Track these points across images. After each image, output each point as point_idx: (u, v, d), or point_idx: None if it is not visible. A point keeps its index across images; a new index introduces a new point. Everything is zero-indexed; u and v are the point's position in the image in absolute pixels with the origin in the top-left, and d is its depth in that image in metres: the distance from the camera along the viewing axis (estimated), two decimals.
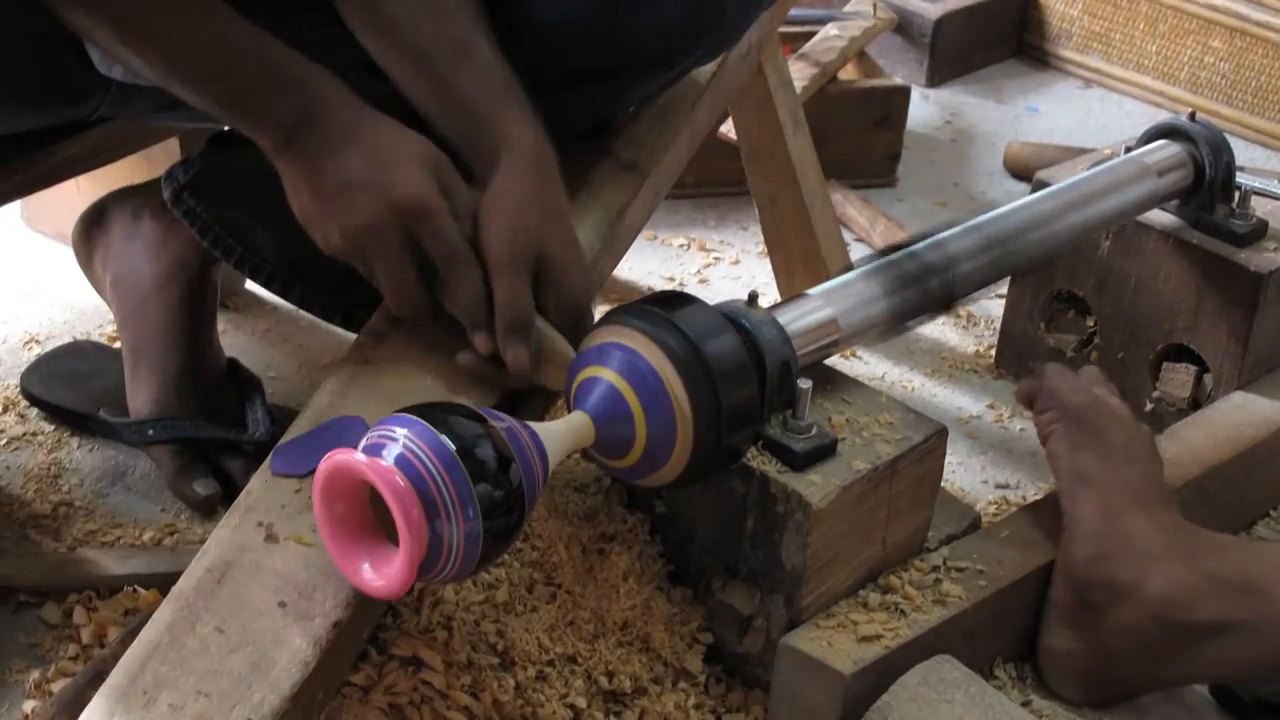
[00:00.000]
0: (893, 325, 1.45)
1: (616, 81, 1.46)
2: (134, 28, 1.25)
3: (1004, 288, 1.90)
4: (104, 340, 1.82)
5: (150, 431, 1.58)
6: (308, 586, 1.15)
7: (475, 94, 1.33)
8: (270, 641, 1.12)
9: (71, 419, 1.68)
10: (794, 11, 2.14)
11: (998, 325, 1.96)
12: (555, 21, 1.40)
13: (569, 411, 1.25)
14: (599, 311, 1.35)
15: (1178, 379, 1.75)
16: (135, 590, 1.45)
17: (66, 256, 1.81)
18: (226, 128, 1.57)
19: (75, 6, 1.25)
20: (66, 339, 1.82)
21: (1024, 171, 2.42)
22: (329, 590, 1.15)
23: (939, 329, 2.05)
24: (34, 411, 1.71)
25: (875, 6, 2.56)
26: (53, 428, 1.69)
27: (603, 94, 1.48)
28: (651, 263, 2.18)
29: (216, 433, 1.59)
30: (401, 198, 1.24)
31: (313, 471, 1.14)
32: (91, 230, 1.71)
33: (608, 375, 1.24)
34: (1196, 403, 1.75)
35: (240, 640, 1.11)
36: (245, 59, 1.26)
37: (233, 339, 1.87)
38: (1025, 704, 1.41)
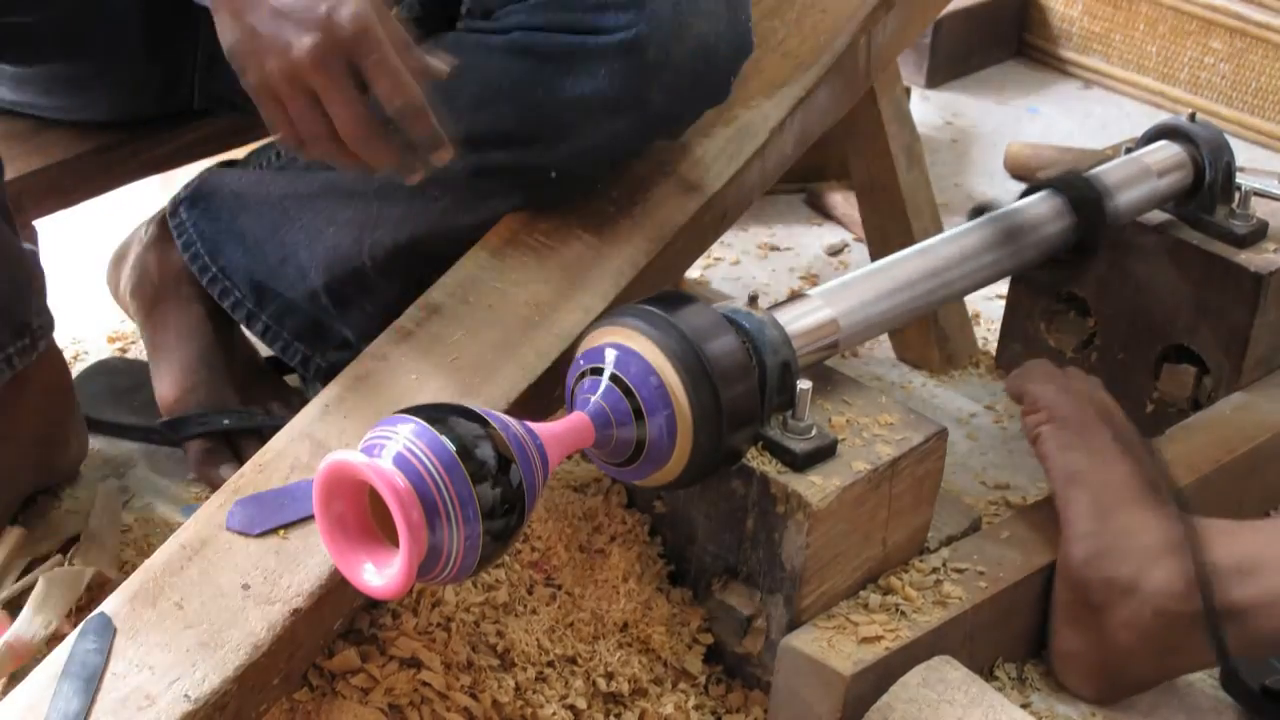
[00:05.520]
0: (893, 326, 1.46)
1: (535, 147, 1.43)
2: None
3: (1004, 288, 1.90)
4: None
5: (180, 430, 1.59)
6: (274, 572, 1.16)
7: None
8: (225, 622, 1.12)
9: (133, 434, 1.67)
10: None
11: (998, 325, 1.95)
12: (478, 86, 1.41)
13: (569, 412, 1.25)
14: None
15: (1178, 380, 1.75)
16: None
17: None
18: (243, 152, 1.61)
19: None
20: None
21: (1024, 172, 2.42)
22: (294, 577, 1.16)
23: None
24: None
25: None
26: None
27: (521, 157, 1.44)
28: None
29: (241, 422, 1.59)
30: (347, 19, 1.17)
31: (266, 533, 1.17)
32: (117, 257, 1.73)
33: (607, 376, 1.24)
34: (1196, 403, 1.75)
35: (196, 618, 1.11)
36: None
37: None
38: (1025, 705, 1.41)
